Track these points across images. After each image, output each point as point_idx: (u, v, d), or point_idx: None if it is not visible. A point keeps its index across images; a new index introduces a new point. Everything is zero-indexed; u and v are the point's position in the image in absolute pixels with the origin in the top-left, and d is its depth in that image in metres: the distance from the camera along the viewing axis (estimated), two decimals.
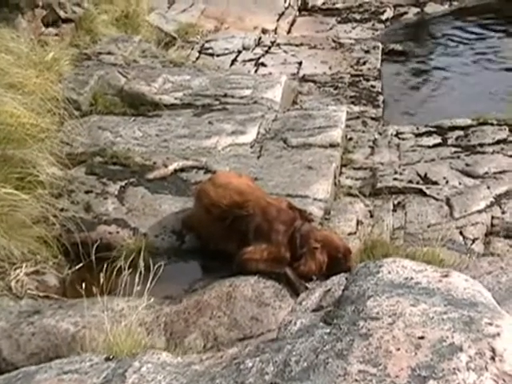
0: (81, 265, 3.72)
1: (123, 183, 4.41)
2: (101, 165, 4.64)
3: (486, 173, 4.72)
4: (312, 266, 3.37)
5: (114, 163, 4.66)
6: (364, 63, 7.66)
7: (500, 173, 4.71)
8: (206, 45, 8.18)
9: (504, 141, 5.20)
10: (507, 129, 5.38)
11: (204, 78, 6.02)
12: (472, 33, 9.41)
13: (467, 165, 4.84)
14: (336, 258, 3.39)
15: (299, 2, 10.50)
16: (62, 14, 6.59)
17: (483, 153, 5.02)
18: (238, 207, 3.55)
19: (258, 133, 4.96)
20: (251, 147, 4.78)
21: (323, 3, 10.56)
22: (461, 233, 4.13)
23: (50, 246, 3.77)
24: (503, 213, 4.29)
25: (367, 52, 8.03)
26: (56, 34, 6.45)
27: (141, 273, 3.11)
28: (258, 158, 4.63)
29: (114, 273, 3.35)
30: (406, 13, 10.37)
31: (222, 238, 3.64)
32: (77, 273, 3.69)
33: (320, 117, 5.14)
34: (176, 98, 5.63)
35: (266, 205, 3.57)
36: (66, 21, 6.67)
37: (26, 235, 3.70)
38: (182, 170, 4.54)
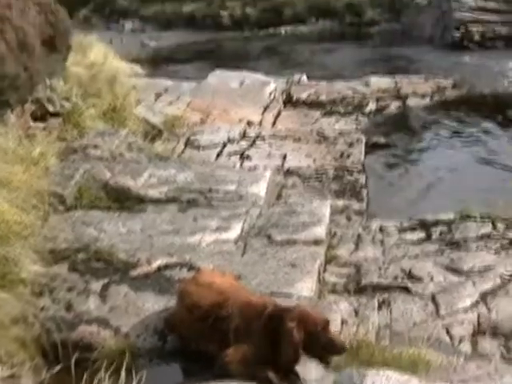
0: (59, 367, 3.61)
1: (106, 281, 4.36)
2: (84, 261, 4.60)
3: (471, 269, 4.72)
4: (291, 353, 3.29)
5: (98, 260, 4.62)
6: (348, 156, 7.76)
7: (485, 269, 4.71)
8: (192, 137, 8.29)
9: (488, 236, 5.23)
10: (491, 224, 5.42)
11: (189, 172, 6.08)
12: (453, 126, 9.68)
13: (452, 261, 4.84)
14: (315, 332, 3.31)
15: (284, 95, 10.76)
16: (50, 108, 6.72)
17: (467, 248, 5.03)
18: (218, 307, 3.53)
19: (243, 229, 4.96)
20: (235, 244, 4.78)
21: (307, 96, 10.82)
22: (447, 331, 4.08)
23: (27, 347, 3.68)
24: (489, 311, 4.26)
25: (351, 145, 8.15)
26: (44, 128, 6.54)
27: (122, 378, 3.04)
28: (242, 254, 4.62)
29: (95, 377, 3.27)
30: (388, 106, 10.64)
31: (203, 338, 3.59)
32: (55, 376, 3.58)
33: (304, 213, 5.17)
34: (161, 193, 5.65)
35: (245, 304, 3.54)
36: (55, 115, 6.79)
37: (4, 336, 3.62)
38: (166, 267, 4.50)
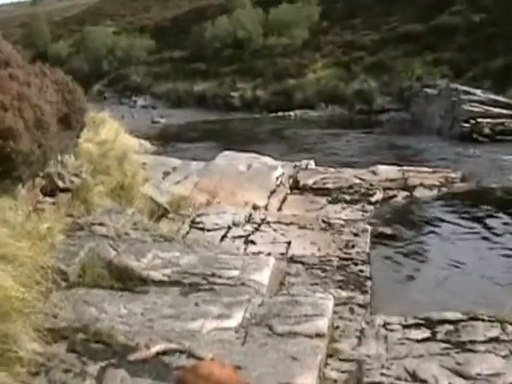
0: None
1: (104, 363, 4.28)
2: (83, 342, 4.53)
3: (479, 374, 4.57)
4: None
5: (97, 341, 4.55)
6: (353, 246, 7.75)
7: (493, 375, 4.56)
8: (197, 219, 8.34)
9: (496, 339, 5.07)
10: (499, 326, 5.28)
11: (193, 255, 6.06)
12: (461, 220, 9.67)
13: (458, 363, 4.70)
14: None
15: (291, 181, 10.86)
16: (60, 183, 6.80)
17: (475, 351, 4.90)
18: None
19: (244, 317, 4.90)
20: (236, 332, 4.71)
21: (314, 183, 10.92)
22: None
23: None
24: None
25: (356, 235, 8.16)
26: (53, 203, 6.59)
27: None
28: (243, 344, 4.54)
29: None
30: (395, 196, 10.71)
31: None
32: None
33: (307, 304, 5.11)
34: (164, 275, 5.61)
35: None
36: (64, 190, 6.86)
37: None
38: (165, 352, 4.42)
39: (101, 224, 6.55)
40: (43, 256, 5.14)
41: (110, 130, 9.33)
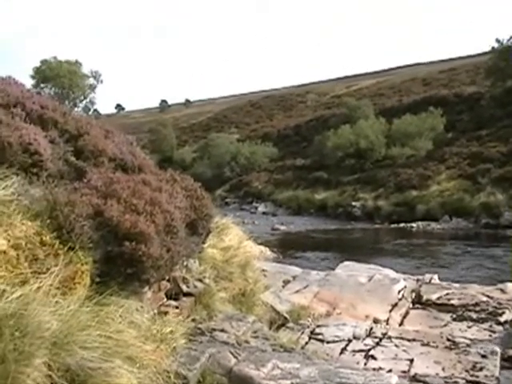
0: None
1: None
2: None
3: None
4: None
5: None
6: (481, 369, 7.32)
7: None
8: (317, 330, 8.23)
9: None
10: None
11: (313, 367, 5.95)
12: None
13: None
14: None
15: (413, 295, 10.56)
16: (184, 288, 6.95)
17: None
18: None
19: None
20: None
21: (438, 298, 10.55)
22: None
23: None
24: None
25: (484, 356, 7.72)
26: (176, 307, 6.73)
27: None
28: None
29: None
30: None
31: None
32: None
33: None
34: None
35: None
36: (187, 295, 7.00)
37: None
38: None
39: (222, 330, 6.60)
40: (166, 359, 5.22)
41: (233, 237, 9.53)
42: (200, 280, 7.21)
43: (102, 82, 54.02)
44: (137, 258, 5.33)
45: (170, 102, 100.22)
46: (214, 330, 6.59)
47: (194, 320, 6.73)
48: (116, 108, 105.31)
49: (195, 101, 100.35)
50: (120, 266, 5.24)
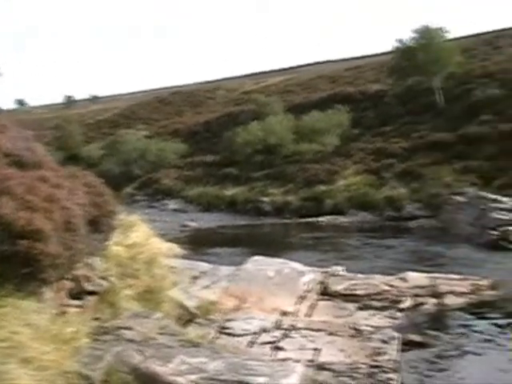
0: None
1: None
2: None
3: None
4: None
5: None
6: (382, 354, 7.55)
7: None
8: (226, 324, 8.26)
9: None
10: None
11: (220, 361, 5.96)
12: (490, 326, 9.54)
13: None
14: None
15: (320, 286, 10.76)
16: (87, 286, 6.80)
17: None
18: None
19: None
20: None
21: (344, 289, 10.80)
22: None
23: None
24: None
25: (385, 342, 7.97)
26: (79, 306, 6.57)
27: None
28: None
29: None
30: (424, 303, 10.53)
31: None
32: None
33: None
34: (191, 381, 5.51)
35: None
36: (91, 293, 6.85)
37: None
38: None
39: (127, 328, 6.49)
40: (67, 360, 5.09)
41: (140, 234, 9.38)
42: (104, 278, 7.07)
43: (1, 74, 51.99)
44: (33, 256, 5.16)
45: (75, 98, 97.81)
46: (120, 328, 6.47)
47: (98, 319, 6.59)
48: (16, 103, 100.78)
49: (102, 97, 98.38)
50: (15, 265, 5.05)
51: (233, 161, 38.96)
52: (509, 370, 7.82)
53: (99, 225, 6.79)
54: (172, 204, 36.85)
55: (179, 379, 5.57)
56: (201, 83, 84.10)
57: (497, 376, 7.62)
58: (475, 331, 9.38)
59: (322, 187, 29.76)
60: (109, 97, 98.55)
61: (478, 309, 10.37)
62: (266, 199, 31.18)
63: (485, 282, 11.56)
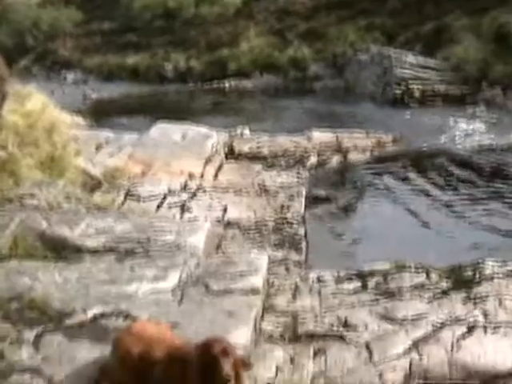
0: None
1: (39, 330, 4.31)
2: (17, 311, 4.54)
3: (405, 317, 4.82)
4: None
5: (31, 309, 4.56)
6: (288, 209, 7.85)
7: (418, 317, 4.83)
8: (132, 189, 8.23)
9: (421, 286, 5.37)
10: (424, 274, 5.56)
11: (128, 223, 6.06)
12: (392, 181, 9.97)
13: (386, 309, 4.94)
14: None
15: (226, 148, 10.85)
16: None
17: (401, 298, 5.15)
18: (148, 357, 3.51)
19: (180, 279, 4.96)
20: (172, 293, 4.77)
21: (249, 149, 10.92)
22: (380, 377, 4.17)
23: None
24: (421, 357, 4.36)
25: (291, 198, 8.26)
26: None
27: None
28: (179, 304, 4.62)
29: None
30: (329, 160, 10.84)
31: None
32: None
33: (242, 263, 5.21)
34: (98, 243, 5.61)
35: (172, 348, 3.54)
36: None
37: None
38: (102, 316, 4.46)
39: (31, 196, 6.45)
40: None
41: (36, 103, 9.06)
42: (2, 147, 6.88)
43: None
44: None
45: None
46: (23, 196, 6.42)
47: None
48: None
49: None
50: None
51: (132, 27, 37.38)
52: (403, 220, 8.33)
53: None
54: (71, 76, 35.51)
55: (87, 242, 5.66)
56: None
57: (391, 225, 8.11)
58: (377, 184, 9.82)
59: (225, 51, 29.27)
60: None
61: (380, 163, 10.78)
62: (168, 65, 30.49)
63: (388, 138, 11.94)
